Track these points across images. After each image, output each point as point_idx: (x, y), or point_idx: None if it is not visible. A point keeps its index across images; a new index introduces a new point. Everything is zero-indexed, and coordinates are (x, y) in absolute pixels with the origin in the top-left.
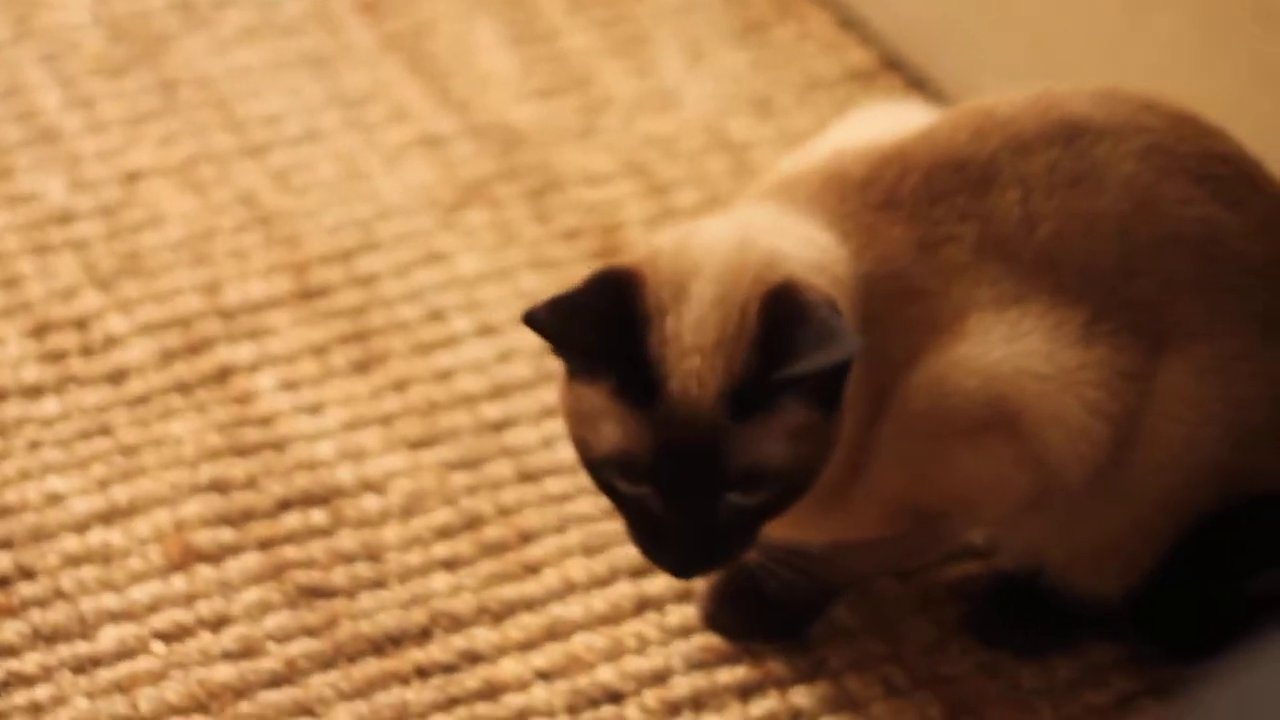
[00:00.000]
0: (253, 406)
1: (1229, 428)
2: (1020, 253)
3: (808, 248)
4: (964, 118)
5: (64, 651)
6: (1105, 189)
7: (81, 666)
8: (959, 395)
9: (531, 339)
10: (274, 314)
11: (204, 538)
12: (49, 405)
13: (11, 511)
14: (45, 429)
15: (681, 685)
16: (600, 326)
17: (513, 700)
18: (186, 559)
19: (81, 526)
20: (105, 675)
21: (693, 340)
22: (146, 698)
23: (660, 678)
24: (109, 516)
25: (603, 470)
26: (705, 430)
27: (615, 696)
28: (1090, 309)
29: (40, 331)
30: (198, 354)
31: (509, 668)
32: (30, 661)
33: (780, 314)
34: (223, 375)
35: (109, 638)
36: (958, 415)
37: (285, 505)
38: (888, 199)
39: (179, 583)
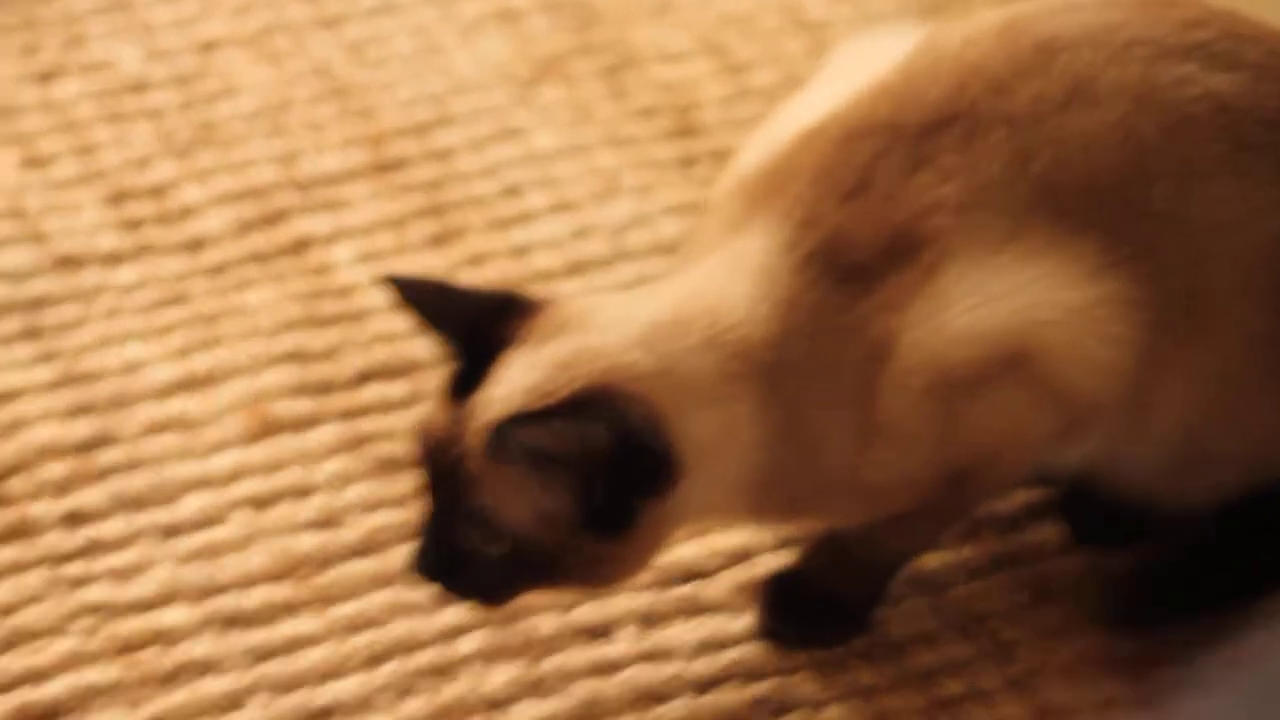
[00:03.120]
0: (330, 278)
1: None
2: (1012, 192)
3: (700, 324)
4: (939, 67)
5: (145, 519)
6: (1098, 100)
7: (163, 534)
8: (962, 366)
9: (609, 216)
10: (350, 186)
11: (283, 408)
12: (127, 273)
13: (92, 378)
14: (124, 296)
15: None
16: (459, 318)
17: None
18: (266, 429)
19: (162, 394)
20: (187, 543)
21: (514, 374)
22: (229, 566)
23: None
24: (188, 385)
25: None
26: (461, 450)
27: None
28: (1099, 236)
29: (117, 199)
30: (274, 225)
31: None
32: (112, 528)
33: (580, 401)
34: (300, 247)
35: (190, 506)
36: (962, 380)
37: (364, 377)
38: (860, 182)
39: (259, 452)
